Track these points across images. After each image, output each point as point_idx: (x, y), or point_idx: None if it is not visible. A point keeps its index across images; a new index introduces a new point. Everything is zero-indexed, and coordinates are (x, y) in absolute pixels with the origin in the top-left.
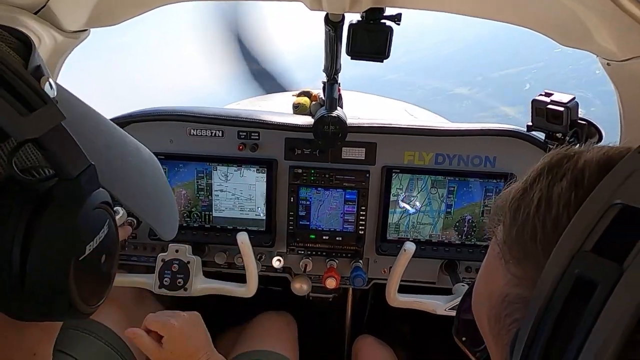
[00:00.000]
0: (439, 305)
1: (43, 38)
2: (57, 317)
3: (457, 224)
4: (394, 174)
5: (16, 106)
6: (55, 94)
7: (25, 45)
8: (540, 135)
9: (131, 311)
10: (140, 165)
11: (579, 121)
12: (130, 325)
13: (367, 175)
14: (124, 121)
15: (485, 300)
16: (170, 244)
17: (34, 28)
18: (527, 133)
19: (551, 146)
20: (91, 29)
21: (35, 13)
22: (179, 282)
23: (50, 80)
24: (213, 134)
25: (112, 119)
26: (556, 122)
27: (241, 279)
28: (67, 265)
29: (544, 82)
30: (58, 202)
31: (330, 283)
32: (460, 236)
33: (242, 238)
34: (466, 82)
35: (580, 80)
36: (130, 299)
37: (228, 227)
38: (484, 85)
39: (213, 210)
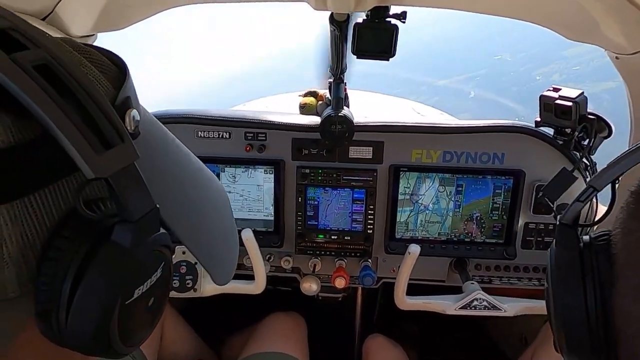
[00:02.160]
0: (449, 305)
1: None
2: (95, 354)
3: (466, 222)
4: (401, 173)
5: (93, 142)
6: (139, 120)
7: (120, 72)
8: (549, 131)
9: None
10: (210, 200)
11: (588, 116)
12: None
13: (375, 174)
14: None
15: None
16: (177, 246)
17: None
18: (536, 129)
19: (560, 142)
20: (97, 34)
21: (43, 19)
22: (188, 284)
23: (136, 110)
24: (220, 136)
25: None
26: (565, 118)
27: (251, 279)
28: (112, 308)
29: (487, 89)
30: (115, 243)
31: (340, 283)
32: (469, 234)
33: (247, 235)
34: (412, 91)
35: (521, 87)
36: None
37: (237, 228)
38: (430, 94)
39: None
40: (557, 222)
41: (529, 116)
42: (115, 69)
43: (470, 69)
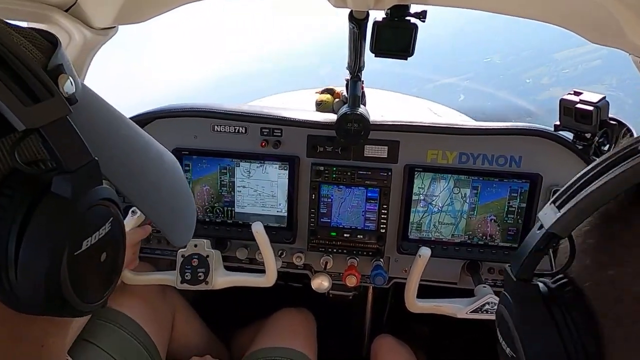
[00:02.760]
0: (460, 309)
1: (73, 35)
2: (50, 312)
3: (480, 224)
4: (416, 173)
5: (20, 96)
6: (75, 91)
7: (53, 45)
8: (568, 135)
9: (155, 304)
10: (161, 169)
11: (609, 121)
12: (153, 317)
13: (389, 173)
14: (149, 117)
15: None
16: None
17: (64, 25)
18: (555, 133)
19: (579, 146)
20: (119, 26)
21: (66, 10)
22: (200, 276)
23: (72, 79)
24: (236, 130)
25: (137, 115)
26: (585, 122)
27: (262, 272)
28: (59, 258)
29: (476, 92)
30: (54, 194)
31: (351, 281)
32: (483, 237)
33: (257, 227)
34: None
35: (511, 89)
36: (154, 292)
37: (250, 222)
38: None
39: (235, 206)
40: (510, 277)
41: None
42: (46, 42)
43: (459, 71)
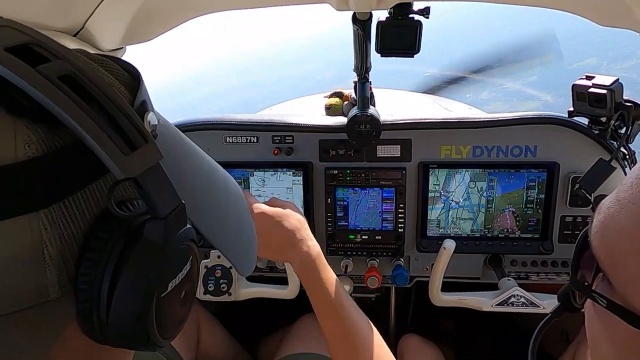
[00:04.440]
0: (485, 302)
1: None
2: (135, 348)
3: (500, 217)
4: (430, 170)
5: (120, 145)
6: (156, 123)
7: (134, 78)
8: (583, 121)
9: None
10: (227, 198)
11: (625, 103)
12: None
13: (404, 172)
14: None
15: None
16: (212, 250)
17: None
18: (569, 119)
19: (595, 131)
20: (126, 46)
21: (74, 35)
22: (223, 287)
23: (152, 112)
24: (248, 140)
25: None
26: (599, 106)
27: (283, 281)
28: (150, 302)
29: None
30: (147, 240)
31: (372, 282)
32: (503, 229)
33: None
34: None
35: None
36: None
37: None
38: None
39: None
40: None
41: None
42: (129, 76)
43: (399, 85)
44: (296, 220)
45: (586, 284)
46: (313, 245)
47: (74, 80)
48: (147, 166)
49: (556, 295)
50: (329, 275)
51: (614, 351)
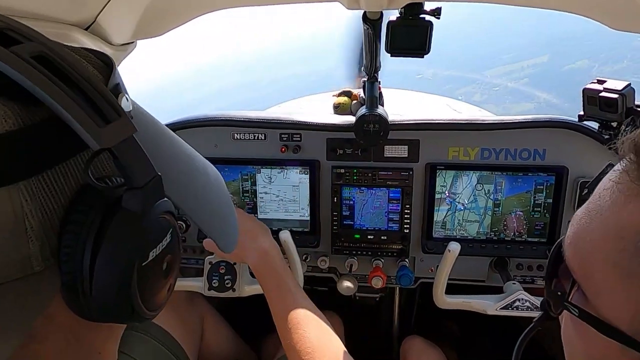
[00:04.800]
0: (490, 305)
1: None
2: (120, 320)
3: (506, 220)
4: (438, 171)
5: (94, 118)
6: (131, 108)
7: (107, 65)
8: (593, 125)
9: (183, 312)
10: (206, 182)
11: (636, 108)
12: (183, 325)
13: (411, 172)
14: (170, 129)
15: (609, 241)
16: None
17: (84, 43)
18: (579, 123)
19: (606, 136)
20: (137, 41)
21: (86, 29)
22: (227, 284)
23: (127, 96)
24: (256, 137)
25: None
26: (610, 111)
27: None
28: (131, 270)
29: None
30: (125, 209)
31: (377, 283)
32: (510, 233)
33: (285, 236)
34: None
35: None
36: (182, 300)
37: (273, 228)
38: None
39: (258, 212)
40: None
41: None
42: (102, 63)
43: (391, 86)
44: (252, 222)
45: (559, 293)
46: (268, 247)
47: (47, 60)
48: (122, 138)
49: None
50: (281, 275)
51: (587, 358)
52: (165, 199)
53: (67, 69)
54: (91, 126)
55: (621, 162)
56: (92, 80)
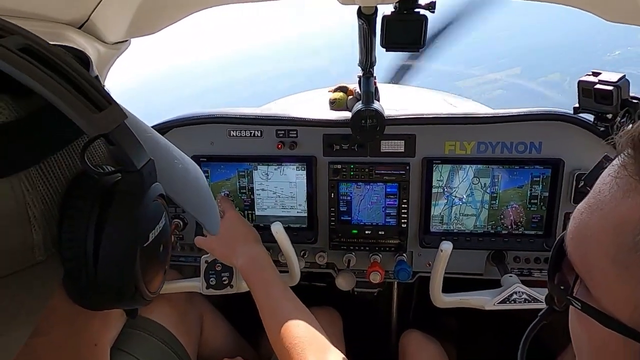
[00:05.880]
0: (487, 301)
1: (87, 51)
2: (125, 303)
3: (503, 213)
4: (434, 165)
5: (88, 106)
6: None
7: (82, 61)
8: (589, 117)
9: (183, 310)
10: (184, 169)
11: (631, 100)
12: (182, 323)
13: (408, 167)
14: (165, 127)
15: (608, 235)
16: None
17: (78, 42)
18: (575, 116)
19: (601, 128)
20: (131, 39)
21: (79, 28)
22: (225, 281)
23: (106, 88)
24: (252, 134)
25: (154, 126)
26: (605, 103)
27: (285, 273)
28: (134, 252)
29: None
30: (124, 193)
31: (375, 277)
32: (507, 226)
33: (277, 228)
34: None
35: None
36: (181, 298)
37: (270, 225)
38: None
39: (255, 209)
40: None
41: None
42: (78, 59)
43: None
44: (245, 227)
45: (562, 288)
46: (257, 252)
47: (33, 52)
48: (117, 124)
49: None
50: (268, 277)
51: (595, 352)
52: (157, 182)
53: (54, 60)
54: (86, 113)
55: (619, 156)
56: (79, 70)
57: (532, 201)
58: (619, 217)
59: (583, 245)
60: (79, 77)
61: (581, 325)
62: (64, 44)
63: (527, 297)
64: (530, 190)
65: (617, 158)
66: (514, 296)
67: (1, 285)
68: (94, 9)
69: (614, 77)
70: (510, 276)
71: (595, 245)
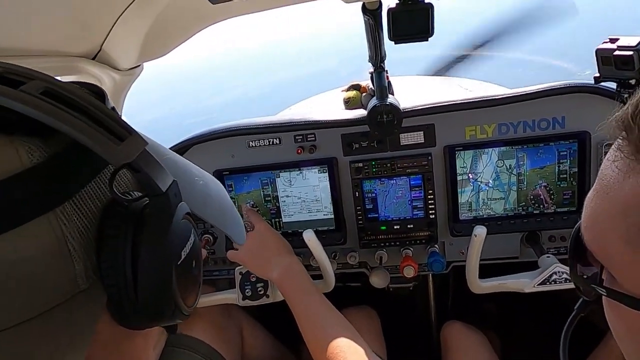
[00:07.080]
0: (526, 283)
1: (103, 80)
2: (164, 320)
3: (532, 193)
4: (456, 152)
5: (111, 138)
6: None
7: (98, 95)
8: (611, 86)
9: (222, 324)
10: (205, 184)
11: None
12: (223, 337)
13: (429, 157)
14: (186, 145)
15: (618, 218)
16: None
17: (93, 72)
18: (596, 85)
19: (625, 94)
20: (144, 63)
21: (93, 58)
22: (260, 291)
23: (123, 117)
24: (271, 142)
25: (174, 145)
26: (627, 68)
27: (319, 278)
28: (170, 270)
29: None
30: (155, 216)
31: (409, 272)
32: (538, 206)
33: (309, 235)
34: None
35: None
36: (218, 313)
37: (299, 230)
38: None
39: (282, 216)
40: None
41: None
42: (94, 93)
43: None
44: (277, 238)
45: (585, 277)
46: (289, 262)
47: (53, 94)
48: (138, 152)
49: None
50: (304, 287)
51: (630, 335)
52: (183, 202)
53: (73, 99)
54: (109, 146)
55: (615, 142)
56: (97, 105)
57: (561, 177)
58: (624, 199)
59: (598, 232)
60: (98, 111)
61: (613, 312)
62: (78, 78)
63: (567, 277)
64: (558, 166)
65: (614, 143)
66: (554, 276)
67: (51, 316)
68: (105, 38)
69: (633, 41)
70: (548, 257)
71: (609, 230)
